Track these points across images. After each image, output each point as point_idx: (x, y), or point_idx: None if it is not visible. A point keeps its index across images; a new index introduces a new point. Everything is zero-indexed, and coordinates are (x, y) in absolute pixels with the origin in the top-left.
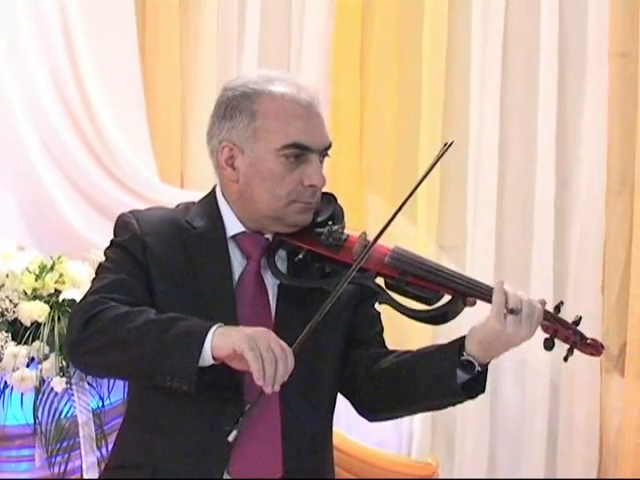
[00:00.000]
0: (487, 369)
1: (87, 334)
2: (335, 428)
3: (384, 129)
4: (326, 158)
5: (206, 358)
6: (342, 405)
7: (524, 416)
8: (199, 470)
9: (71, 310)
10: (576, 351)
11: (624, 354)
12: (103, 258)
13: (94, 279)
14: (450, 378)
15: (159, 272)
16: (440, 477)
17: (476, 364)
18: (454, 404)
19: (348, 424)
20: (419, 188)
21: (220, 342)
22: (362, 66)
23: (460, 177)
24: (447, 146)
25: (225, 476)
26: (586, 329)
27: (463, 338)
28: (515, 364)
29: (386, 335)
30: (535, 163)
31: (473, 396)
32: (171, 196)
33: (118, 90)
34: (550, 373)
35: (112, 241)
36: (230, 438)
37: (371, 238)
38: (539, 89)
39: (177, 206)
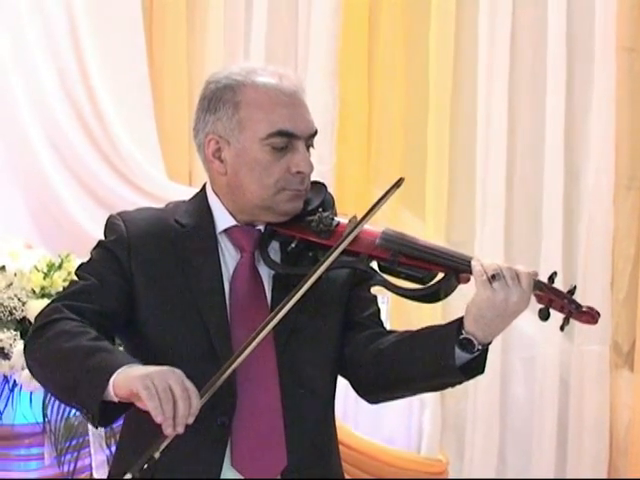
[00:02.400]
0: (487, 350)
1: (36, 342)
2: (344, 424)
3: (391, 126)
4: (333, 157)
5: (111, 396)
6: (352, 401)
7: (534, 413)
8: (198, 464)
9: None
10: (572, 320)
11: (634, 350)
12: None
13: (71, 281)
14: (448, 357)
15: (144, 274)
16: (450, 473)
17: (476, 342)
18: (453, 385)
19: (356, 420)
20: (427, 183)
21: (120, 382)
22: (369, 63)
23: (468, 173)
24: (396, 184)
25: (229, 469)
26: (595, 325)
27: (462, 317)
28: (524, 361)
29: (394, 322)
30: (543, 159)
31: (471, 377)
32: (179, 194)
33: (125, 89)
34: (559, 369)
35: (99, 242)
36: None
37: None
38: (547, 84)
39: (167, 205)
